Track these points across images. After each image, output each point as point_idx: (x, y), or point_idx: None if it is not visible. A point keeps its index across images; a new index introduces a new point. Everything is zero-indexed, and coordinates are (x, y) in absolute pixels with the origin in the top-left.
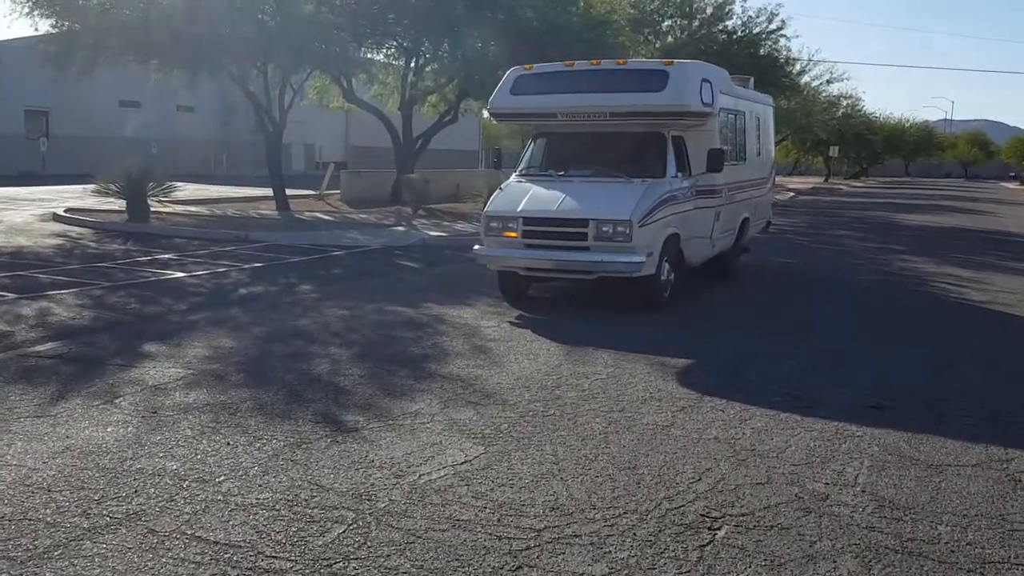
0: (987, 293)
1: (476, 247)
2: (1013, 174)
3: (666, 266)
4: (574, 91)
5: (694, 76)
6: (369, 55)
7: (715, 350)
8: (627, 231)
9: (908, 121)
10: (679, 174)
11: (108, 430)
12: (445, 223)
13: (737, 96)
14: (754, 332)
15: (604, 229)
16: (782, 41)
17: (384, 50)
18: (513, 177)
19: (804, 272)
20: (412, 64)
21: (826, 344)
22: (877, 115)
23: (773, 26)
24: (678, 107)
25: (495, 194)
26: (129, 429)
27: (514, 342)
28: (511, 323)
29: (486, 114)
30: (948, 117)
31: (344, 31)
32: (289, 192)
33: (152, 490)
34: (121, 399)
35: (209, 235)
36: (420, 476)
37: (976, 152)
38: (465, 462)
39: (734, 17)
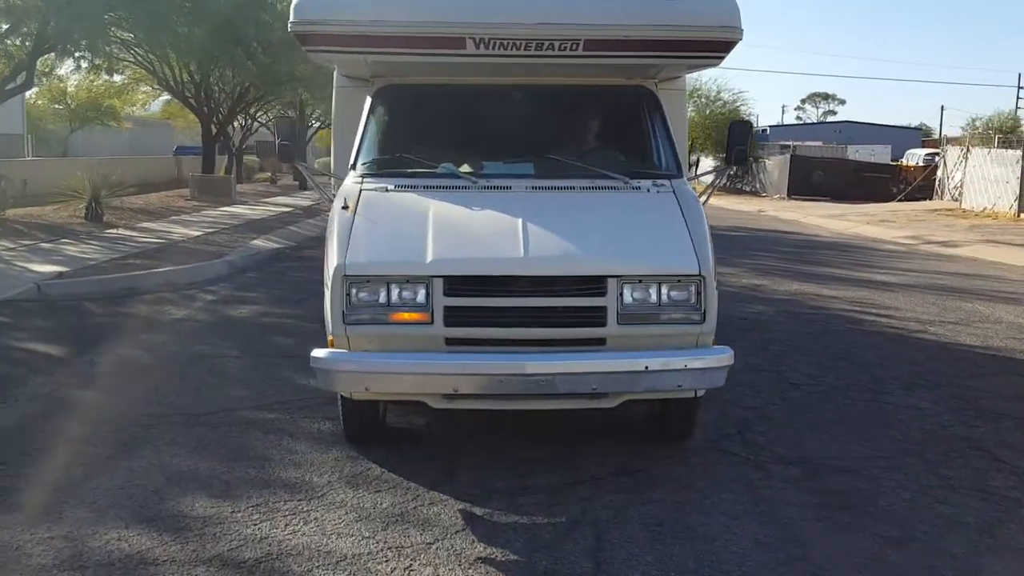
0: (893, 318)
1: (318, 353)
2: None
3: None
4: None
5: None
6: None
7: None
8: (695, 297)
9: None
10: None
11: None
12: (44, 245)
13: None
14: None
15: (640, 296)
16: None
17: None
18: (353, 180)
19: None
20: None
21: None
22: None
23: None
24: (722, 32)
25: (343, 222)
26: None
27: None
28: (470, 568)
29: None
30: None
31: None
32: None
33: None
34: None
35: None
36: None
37: None
38: None
39: None
